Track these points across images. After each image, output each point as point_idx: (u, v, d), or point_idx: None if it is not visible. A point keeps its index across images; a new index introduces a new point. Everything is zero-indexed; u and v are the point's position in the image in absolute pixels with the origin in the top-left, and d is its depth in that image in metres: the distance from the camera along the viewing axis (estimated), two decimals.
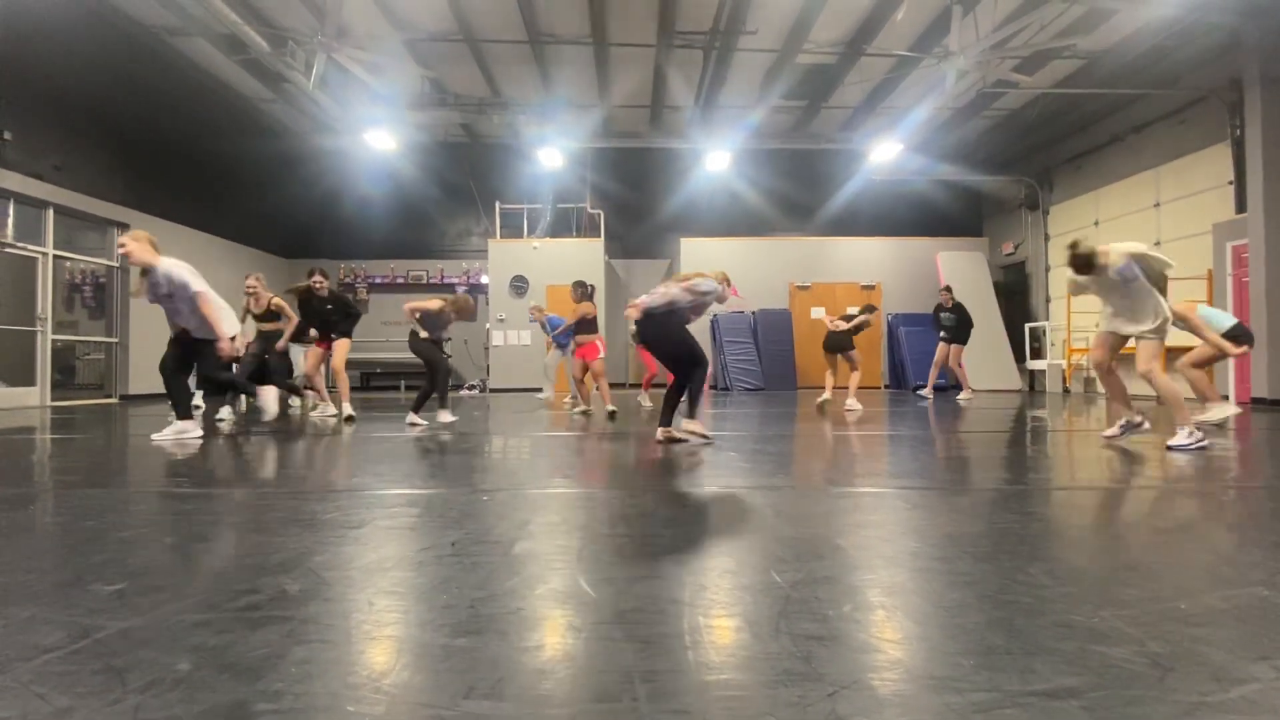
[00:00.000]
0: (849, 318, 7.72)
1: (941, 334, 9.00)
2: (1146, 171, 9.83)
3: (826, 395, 7.50)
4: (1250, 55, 7.81)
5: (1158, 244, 9.08)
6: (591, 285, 7.13)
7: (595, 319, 6.94)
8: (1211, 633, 1.21)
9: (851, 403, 7.27)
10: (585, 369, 6.91)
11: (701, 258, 11.41)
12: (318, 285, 6.42)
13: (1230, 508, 2.33)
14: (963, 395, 8.72)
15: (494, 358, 12.41)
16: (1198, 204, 9.06)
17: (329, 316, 6.38)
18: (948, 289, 9.23)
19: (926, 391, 9.04)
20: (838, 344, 7.64)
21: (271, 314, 6.68)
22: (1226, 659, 1.11)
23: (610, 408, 6.29)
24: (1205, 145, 9.02)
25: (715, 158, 11.84)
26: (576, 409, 6.88)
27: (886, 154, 11.41)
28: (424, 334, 5.67)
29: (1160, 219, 9.74)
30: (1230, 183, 8.61)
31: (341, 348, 6.40)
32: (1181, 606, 1.34)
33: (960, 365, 8.92)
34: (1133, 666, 1.08)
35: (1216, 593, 1.43)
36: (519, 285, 12.42)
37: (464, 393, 11.98)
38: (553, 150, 11.54)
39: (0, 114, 7.61)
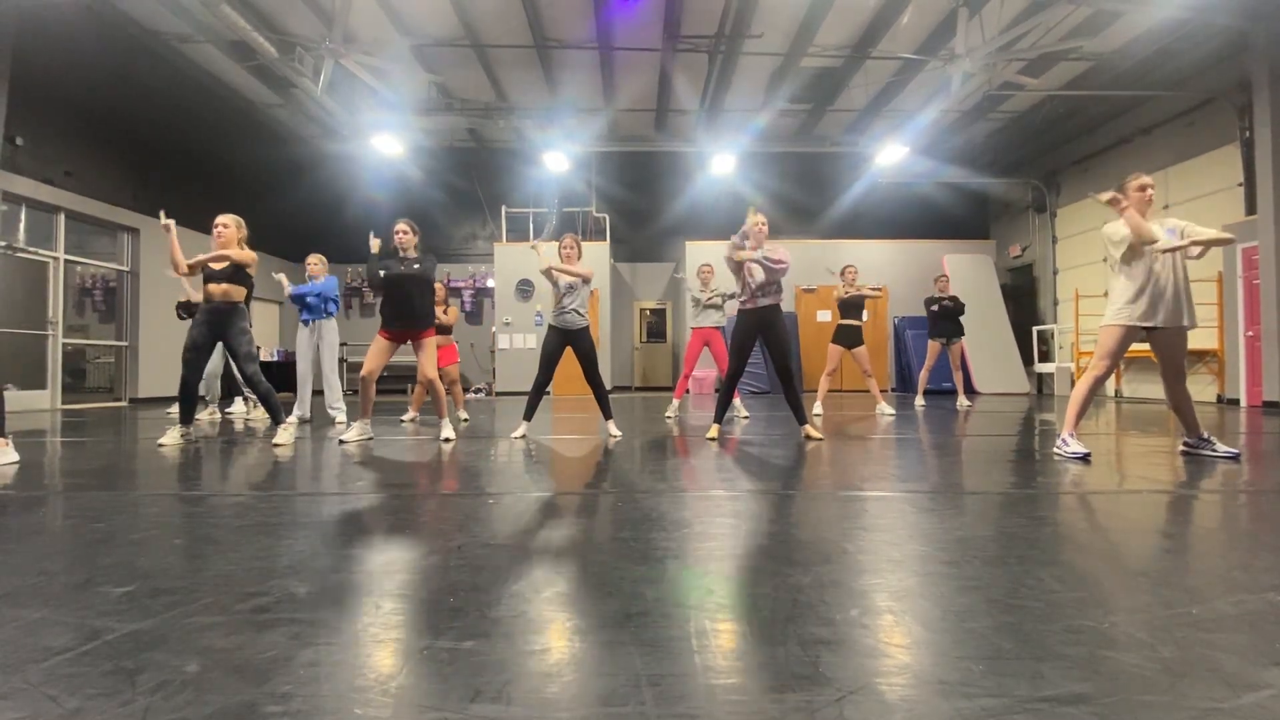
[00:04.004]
0: (853, 301, 6.92)
1: (943, 325, 7.91)
2: (1155, 174, 9.78)
3: (819, 409, 6.63)
4: (1259, 57, 7.77)
5: None
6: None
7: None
8: (1223, 638, 1.20)
9: (883, 407, 6.80)
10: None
11: (706, 261, 11.39)
12: (401, 234, 4.87)
13: (1242, 512, 2.31)
14: (918, 401, 8.12)
15: (500, 361, 12.44)
16: (1207, 206, 9.00)
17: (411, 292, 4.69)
18: (944, 278, 8.22)
19: (962, 401, 8.06)
20: (853, 337, 6.86)
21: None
22: (1238, 665, 1.10)
23: (463, 415, 6.47)
24: (1214, 147, 8.98)
25: (720, 161, 11.85)
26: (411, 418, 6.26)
27: (892, 157, 11.38)
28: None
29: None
30: (1240, 185, 8.56)
31: (432, 347, 4.76)
32: (1193, 612, 1.33)
33: (926, 372, 8.14)
34: (1143, 672, 1.07)
35: (1228, 598, 1.41)
36: (525, 289, 12.46)
37: (470, 396, 12.00)
38: (558, 154, 11.58)
39: (13, 120, 7.70)
